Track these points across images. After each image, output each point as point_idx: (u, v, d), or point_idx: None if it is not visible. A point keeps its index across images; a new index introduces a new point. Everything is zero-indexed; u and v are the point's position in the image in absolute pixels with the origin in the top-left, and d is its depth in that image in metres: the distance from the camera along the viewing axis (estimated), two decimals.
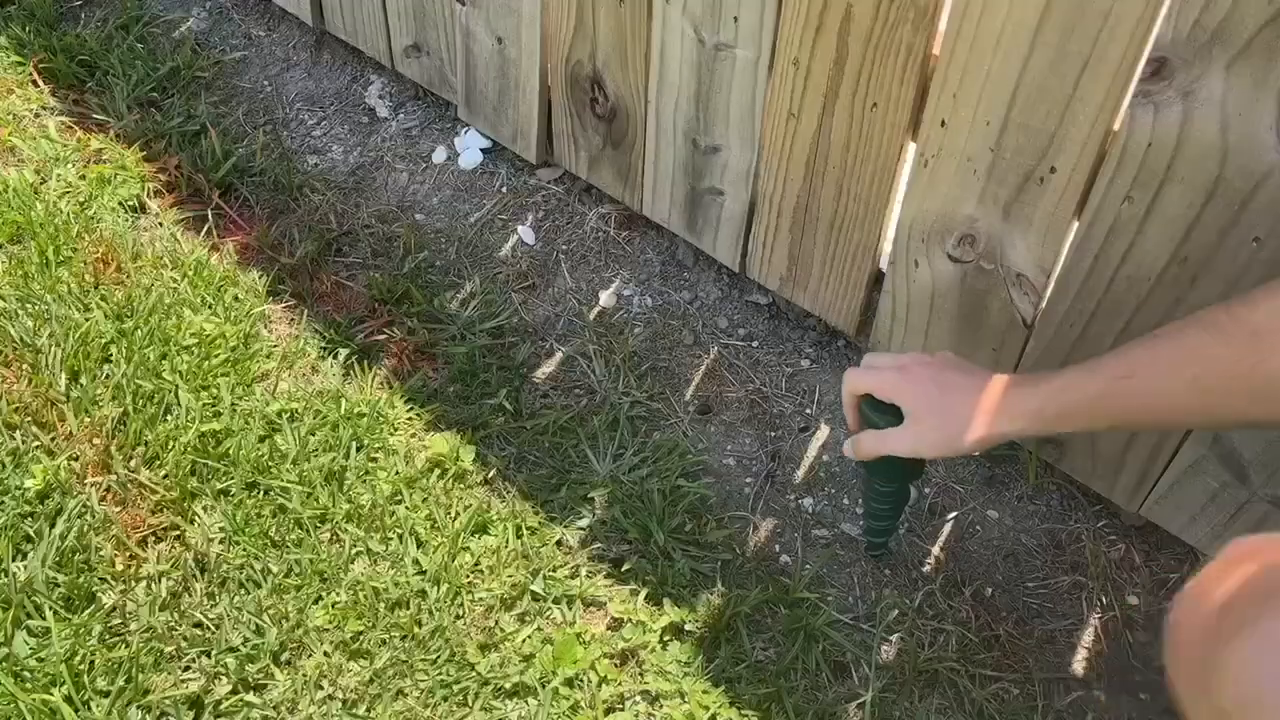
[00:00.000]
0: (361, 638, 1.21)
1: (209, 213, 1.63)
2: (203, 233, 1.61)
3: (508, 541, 1.29)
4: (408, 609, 1.23)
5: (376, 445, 1.37)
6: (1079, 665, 1.23)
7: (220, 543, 1.28)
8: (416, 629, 1.22)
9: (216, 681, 1.18)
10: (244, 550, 1.27)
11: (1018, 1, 1.01)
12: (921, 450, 1.09)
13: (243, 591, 1.24)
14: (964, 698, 1.20)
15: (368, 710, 1.17)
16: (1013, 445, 1.35)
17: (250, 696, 1.17)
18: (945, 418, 1.05)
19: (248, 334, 1.47)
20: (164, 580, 1.24)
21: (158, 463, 1.34)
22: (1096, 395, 0.96)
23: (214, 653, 1.19)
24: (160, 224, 1.63)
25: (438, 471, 1.35)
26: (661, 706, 1.18)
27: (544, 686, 1.18)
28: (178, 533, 1.29)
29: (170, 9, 1.95)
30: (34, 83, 1.80)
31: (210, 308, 1.50)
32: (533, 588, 1.26)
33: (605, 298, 1.55)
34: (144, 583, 1.24)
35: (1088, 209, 1.09)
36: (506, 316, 1.52)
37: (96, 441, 1.34)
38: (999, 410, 1.02)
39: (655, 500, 1.32)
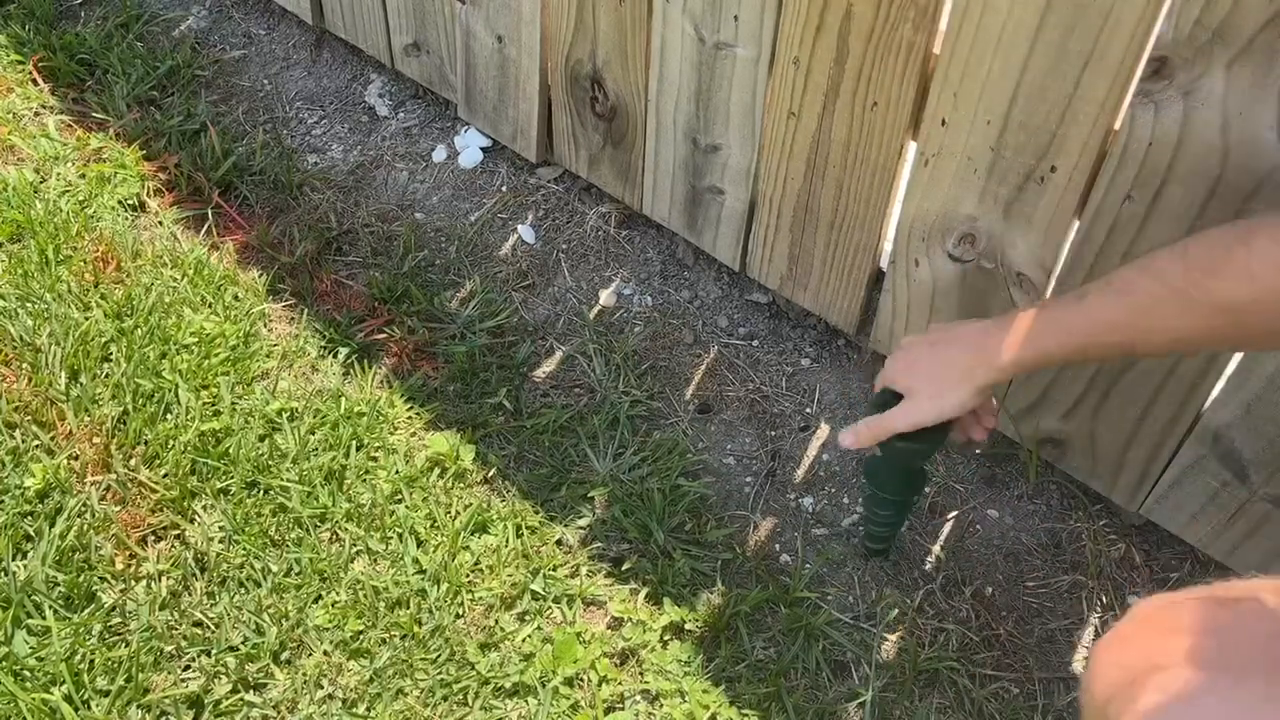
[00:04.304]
0: (361, 637, 1.21)
1: (209, 211, 1.63)
2: (202, 231, 1.61)
3: (508, 541, 1.29)
4: (407, 608, 1.23)
5: (376, 444, 1.37)
6: (1079, 664, 1.22)
7: (220, 542, 1.28)
8: (416, 628, 1.22)
9: (216, 681, 1.18)
10: (244, 549, 1.27)
11: (1019, 0, 1.01)
12: (917, 418, 1.07)
13: (243, 591, 1.24)
14: (964, 697, 1.20)
15: (368, 709, 1.17)
16: (1012, 444, 1.35)
17: (250, 695, 1.17)
18: (936, 382, 1.05)
19: (247, 333, 1.47)
20: (164, 579, 1.24)
21: (158, 462, 1.33)
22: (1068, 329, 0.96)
23: (214, 652, 1.19)
24: (160, 223, 1.62)
25: (437, 470, 1.35)
26: (661, 706, 1.18)
27: (544, 686, 1.18)
28: (177, 532, 1.29)
29: (170, 7, 1.95)
30: (33, 81, 1.80)
31: (210, 307, 1.50)
32: (533, 587, 1.26)
33: (605, 297, 1.55)
34: (144, 582, 1.24)
35: (1089, 208, 1.08)
36: (506, 315, 1.52)
37: (96, 440, 1.34)
38: (982, 362, 1.02)
39: (655, 499, 1.32)
